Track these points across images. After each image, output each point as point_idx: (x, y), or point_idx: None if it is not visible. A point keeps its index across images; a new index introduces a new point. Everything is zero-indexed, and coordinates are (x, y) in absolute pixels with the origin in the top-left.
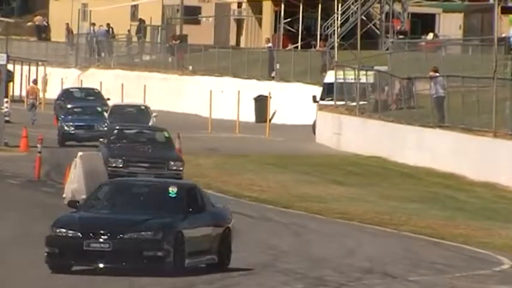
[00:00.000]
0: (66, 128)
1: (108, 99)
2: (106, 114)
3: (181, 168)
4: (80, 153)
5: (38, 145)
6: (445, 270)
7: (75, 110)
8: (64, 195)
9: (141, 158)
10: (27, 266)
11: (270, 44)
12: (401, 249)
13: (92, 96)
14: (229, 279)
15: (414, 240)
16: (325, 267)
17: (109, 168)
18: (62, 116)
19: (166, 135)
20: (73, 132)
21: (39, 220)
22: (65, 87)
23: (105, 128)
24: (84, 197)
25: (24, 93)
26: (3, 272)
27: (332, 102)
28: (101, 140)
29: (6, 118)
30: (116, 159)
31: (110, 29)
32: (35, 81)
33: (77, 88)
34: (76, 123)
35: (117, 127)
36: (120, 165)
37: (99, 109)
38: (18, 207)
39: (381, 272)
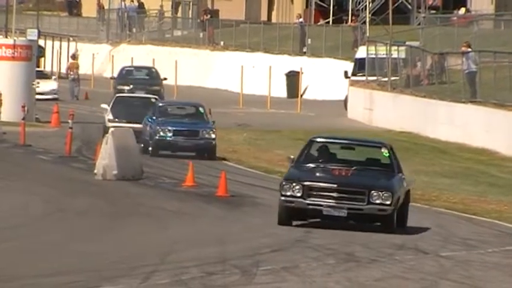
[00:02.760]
0: (162, 133)
1: (165, 78)
2: (209, 117)
3: (387, 202)
4: (111, 129)
5: (69, 121)
6: (477, 245)
7: (171, 109)
8: (96, 171)
9: (329, 185)
10: (60, 241)
11: (301, 20)
12: (433, 224)
13: (148, 75)
14: (260, 255)
15: (446, 216)
16: (356, 243)
17: (281, 198)
18: (153, 117)
19: (386, 153)
20: (171, 139)
21: (70, 196)
22: (123, 65)
23: (213, 136)
24: (115, 172)
25: (55, 69)
26: (37, 247)
27: (363, 78)
28: (290, 156)
29: (55, 96)
30: (292, 184)
31: (141, 4)
32: (74, 56)
33: (132, 67)
34: (175, 128)
35: (320, 139)
36: (298, 195)
37: (200, 109)
38: (49, 183)
39: (412, 247)
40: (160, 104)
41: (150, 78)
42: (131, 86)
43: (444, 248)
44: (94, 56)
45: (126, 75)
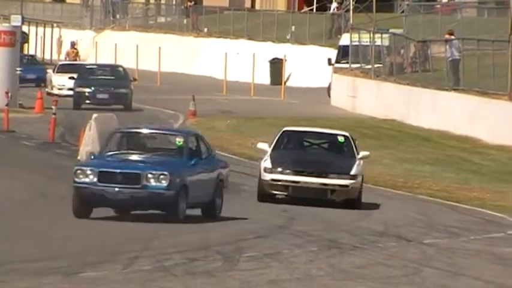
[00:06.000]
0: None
1: (135, 79)
2: None
3: None
4: (94, 115)
5: (53, 107)
6: (459, 233)
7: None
8: (79, 157)
9: None
10: (43, 226)
11: (335, 7)
12: (416, 212)
13: (113, 75)
14: (244, 242)
15: (429, 203)
16: (339, 230)
17: None
18: None
19: None
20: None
21: (53, 182)
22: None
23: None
24: None
25: (39, 55)
26: (20, 233)
27: (347, 65)
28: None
29: None
30: None
31: None
32: (73, 44)
33: (95, 65)
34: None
35: None
36: None
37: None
38: (32, 169)
39: (395, 235)
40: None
41: (116, 78)
42: (92, 89)
43: (427, 236)
44: (78, 43)
45: (87, 75)
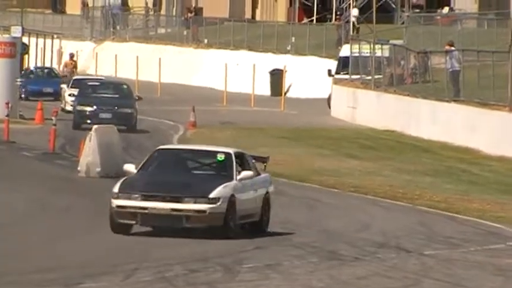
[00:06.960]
0: None
1: (140, 98)
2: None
3: None
4: (95, 127)
5: (53, 118)
6: (459, 244)
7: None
8: (79, 168)
9: None
10: (43, 238)
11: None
12: (416, 223)
13: (117, 93)
14: (243, 253)
15: (428, 214)
16: (339, 241)
17: None
18: None
19: None
20: None
21: (54, 193)
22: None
23: None
24: (99, 170)
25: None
26: (21, 245)
27: (347, 76)
28: None
29: None
30: None
31: (125, 2)
32: (72, 56)
33: (98, 81)
34: None
35: None
36: None
37: None
38: (33, 180)
39: (395, 246)
40: None
41: (120, 97)
42: (94, 107)
43: (427, 247)
44: (78, 54)
45: (89, 93)
